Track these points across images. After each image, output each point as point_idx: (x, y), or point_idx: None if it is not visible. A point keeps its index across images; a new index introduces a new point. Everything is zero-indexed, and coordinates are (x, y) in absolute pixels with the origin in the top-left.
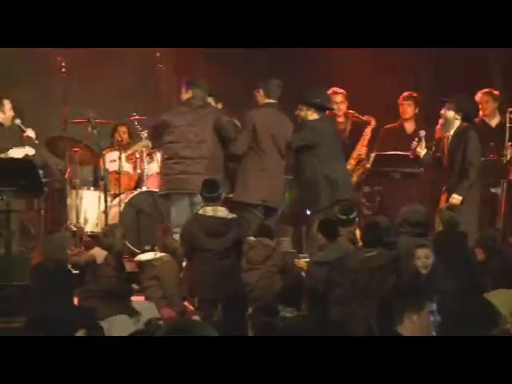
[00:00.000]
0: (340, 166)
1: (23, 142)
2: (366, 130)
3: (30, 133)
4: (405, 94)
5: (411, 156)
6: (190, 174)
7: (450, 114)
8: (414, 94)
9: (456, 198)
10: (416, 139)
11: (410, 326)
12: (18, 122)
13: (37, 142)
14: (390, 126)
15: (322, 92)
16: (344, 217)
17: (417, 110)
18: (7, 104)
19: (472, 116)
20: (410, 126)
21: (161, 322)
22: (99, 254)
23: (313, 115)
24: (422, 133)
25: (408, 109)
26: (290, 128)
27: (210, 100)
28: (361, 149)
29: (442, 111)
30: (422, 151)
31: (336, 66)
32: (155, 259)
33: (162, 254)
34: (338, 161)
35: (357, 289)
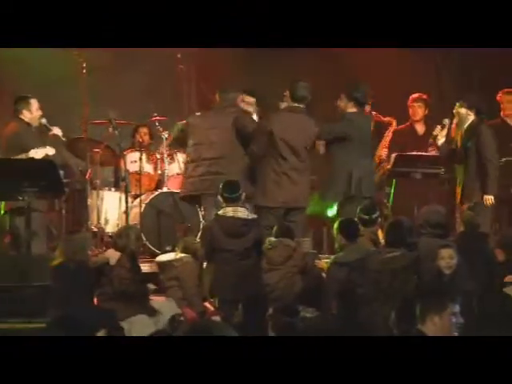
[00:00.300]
0: (367, 163)
1: (50, 141)
2: (387, 131)
3: (57, 131)
4: (414, 95)
5: (431, 144)
6: (213, 175)
7: (463, 110)
8: (424, 96)
9: (489, 199)
10: (439, 126)
11: (432, 327)
12: (43, 121)
13: (64, 139)
14: (400, 127)
15: (363, 87)
16: (366, 216)
17: (426, 112)
18: (34, 103)
19: (484, 112)
20: (420, 128)
21: (182, 318)
22: (112, 255)
23: (352, 108)
24: (446, 121)
25: (418, 110)
26: (312, 132)
27: (245, 97)
28: (382, 150)
29: (455, 110)
30: (441, 138)
31: (358, 67)
32: (176, 260)
33: (183, 255)
34: (366, 158)
35: (379, 289)
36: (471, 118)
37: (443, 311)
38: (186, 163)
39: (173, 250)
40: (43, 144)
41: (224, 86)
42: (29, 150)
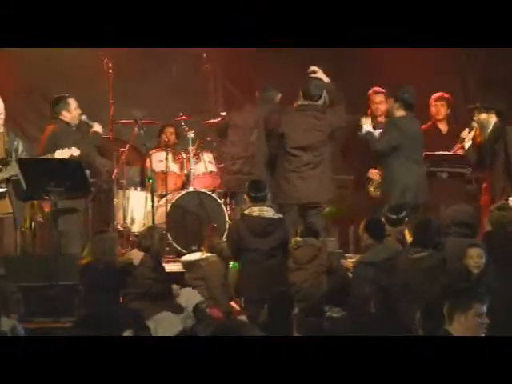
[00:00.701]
0: (420, 169)
1: (89, 138)
2: None
3: (97, 127)
4: (437, 94)
5: (459, 146)
6: (245, 174)
7: (483, 116)
8: (446, 95)
9: None
10: (467, 129)
11: (459, 327)
12: (84, 118)
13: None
14: (423, 126)
15: (410, 89)
16: (394, 216)
17: (449, 111)
18: (72, 103)
19: (504, 111)
20: (443, 127)
21: (207, 308)
22: (136, 255)
23: (400, 112)
24: (474, 124)
25: (441, 109)
26: (326, 126)
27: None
28: None
29: (475, 117)
30: (468, 141)
31: (378, 66)
32: (202, 259)
33: (209, 255)
34: (418, 164)
35: (405, 289)
36: (493, 120)
37: (469, 311)
38: (225, 160)
39: (199, 250)
40: (82, 143)
41: (264, 85)
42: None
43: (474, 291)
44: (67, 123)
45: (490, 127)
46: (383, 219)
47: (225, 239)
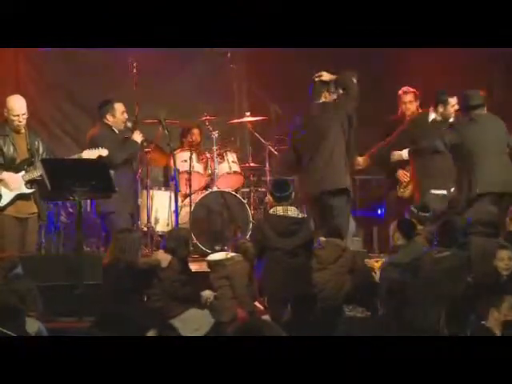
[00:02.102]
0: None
1: (130, 144)
2: None
3: (136, 136)
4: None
5: None
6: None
7: None
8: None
9: None
10: None
11: (493, 321)
12: (129, 125)
13: (145, 144)
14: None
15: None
16: (427, 214)
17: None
18: (119, 107)
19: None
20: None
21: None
22: (164, 257)
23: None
24: None
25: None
26: (331, 128)
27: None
28: None
29: None
30: None
31: (407, 65)
32: (226, 259)
33: (233, 254)
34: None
35: (429, 289)
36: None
37: (502, 305)
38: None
39: (222, 250)
40: (122, 148)
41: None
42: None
43: (504, 286)
44: (110, 127)
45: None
46: (413, 218)
47: (249, 239)
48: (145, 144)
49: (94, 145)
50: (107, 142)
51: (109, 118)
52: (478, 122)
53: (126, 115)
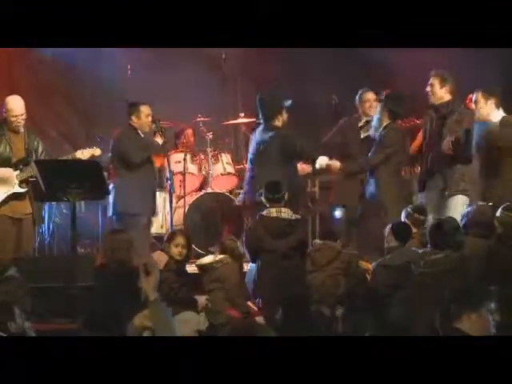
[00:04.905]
0: None
1: (150, 148)
2: None
3: (158, 137)
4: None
5: None
6: None
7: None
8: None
9: None
10: None
11: (468, 325)
12: (154, 127)
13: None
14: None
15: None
16: (422, 217)
17: None
18: (144, 110)
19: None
20: None
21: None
22: (161, 258)
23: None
24: None
25: None
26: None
27: None
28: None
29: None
30: None
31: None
32: (216, 261)
33: (222, 256)
34: None
35: (421, 291)
36: None
37: (480, 309)
38: None
39: (210, 252)
40: (143, 149)
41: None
42: (127, 155)
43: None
44: (135, 129)
45: None
46: (408, 221)
47: (235, 238)
48: (167, 146)
49: (118, 145)
50: (130, 142)
51: (134, 120)
52: None
53: (150, 118)
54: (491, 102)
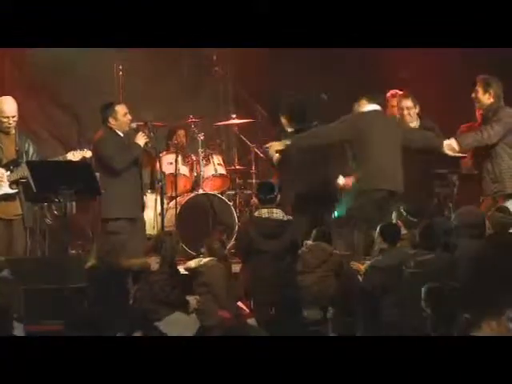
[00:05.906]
0: None
1: (131, 148)
2: None
3: (139, 139)
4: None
5: None
6: None
7: None
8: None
9: None
10: None
11: (490, 332)
12: (133, 125)
13: (149, 145)
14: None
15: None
16: (415, 219)
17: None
18: (120, 110)
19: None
20: None
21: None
22: (153, 260)
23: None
24: None
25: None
26: None
27: None
28: None
29: None
30: None
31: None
32: (201, 265)
33: (208, 259)
34: None
35: (412, 292)
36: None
37: (500, 316)
38: None
39: (196, 256)
40: (125, 152)
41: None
42: (109, 160)
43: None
44: (114, 130)
45: None
46: (399, 221)
47: (219, 239)
48: (149, 145)
49: (97, 149)
50: (111, 145)
51: (112, 121)
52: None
53: (129, 116)
54: None
